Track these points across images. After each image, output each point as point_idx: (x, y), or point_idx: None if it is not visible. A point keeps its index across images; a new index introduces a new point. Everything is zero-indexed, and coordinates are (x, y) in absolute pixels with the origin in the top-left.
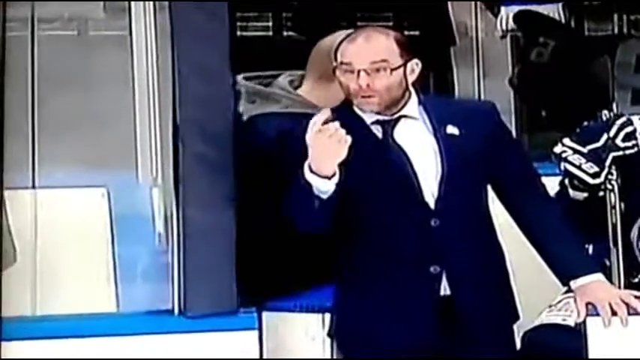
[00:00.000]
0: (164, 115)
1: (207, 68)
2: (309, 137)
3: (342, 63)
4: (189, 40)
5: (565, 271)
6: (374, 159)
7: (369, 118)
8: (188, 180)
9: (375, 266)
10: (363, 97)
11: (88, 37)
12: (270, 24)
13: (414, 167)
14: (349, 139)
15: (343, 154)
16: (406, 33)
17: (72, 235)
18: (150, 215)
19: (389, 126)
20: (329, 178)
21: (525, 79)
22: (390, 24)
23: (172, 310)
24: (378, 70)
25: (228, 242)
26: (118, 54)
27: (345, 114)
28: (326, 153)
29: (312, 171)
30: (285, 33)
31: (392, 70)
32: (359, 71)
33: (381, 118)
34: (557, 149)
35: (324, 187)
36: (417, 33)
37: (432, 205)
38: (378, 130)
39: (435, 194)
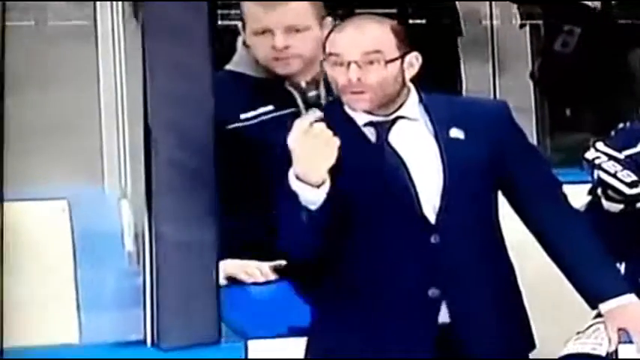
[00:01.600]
0: (134, 117)
1: (183, 63)
2: (292, 140)
3: (330, 54)
4: (162, 31)
5: (593, 293)
6: (366, 166)
7: (361, 120)
8: (162, 191)
9: (364, 288)
10: (353, 93)
11: (47, 28)
12: None
13: (412, 176)
14: (337, 140)
15: (333, 157)
16: (411, 22)
17: (28, 255)
18: (118, 232)
19: (384, 128)
20: (318, 186)
21: (548, 72)
22: (394, 11)
23: (144, 341)
24: (370, 62)
25: (209, 263)
26: (80, 47)
27: (333, 114)
28: (313, 157)
29: (298, 178)
30: None
31: (386, 62)
32: (349, 63)
33: (374, 119)
34: (590, 155)
35: (313, 197)
36: (423, 21)
37: (432, 220)
38: (371, 133)
39: (436, 207)
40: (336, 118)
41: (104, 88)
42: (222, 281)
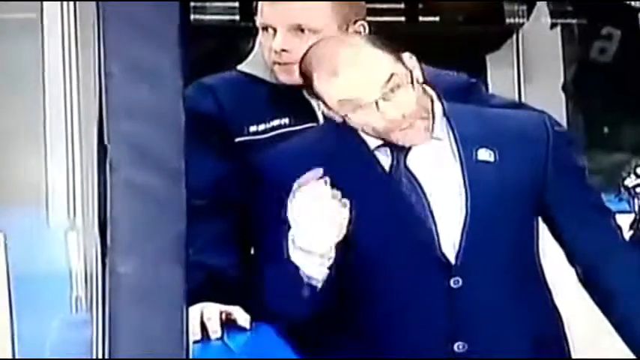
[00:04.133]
0: (86, 131)
1: (147, 67)
2: (295, 203)
3: (345, 100)
4: (123, 27)
5: None
6: (378, 199)
7: (373, 142)
8: (119, 220)
9: (378, 343)
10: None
11: None
12: (237, 4)
13: (433, 210)
14: (347, 203)
15: (344, 226)
16: (422, 19)
17: None
18: (64, 271)
19: (401, 151)
20: (323, 256)
21: (582, 83)
22: (401, 6)
23: None
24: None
25: (177, 308)
26: (24, 44)
27: (340, 135)
28: (320, 227)
29: (301, 249)
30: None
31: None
32: (377, 102)
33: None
34: (630, 182)
35: (316, 272)
36: (436, 19)
37: (451, 259)
38: (385, 158)
39: (456, 245)
40: (344, 138)
41: (51, 96)
42: (194, 332)
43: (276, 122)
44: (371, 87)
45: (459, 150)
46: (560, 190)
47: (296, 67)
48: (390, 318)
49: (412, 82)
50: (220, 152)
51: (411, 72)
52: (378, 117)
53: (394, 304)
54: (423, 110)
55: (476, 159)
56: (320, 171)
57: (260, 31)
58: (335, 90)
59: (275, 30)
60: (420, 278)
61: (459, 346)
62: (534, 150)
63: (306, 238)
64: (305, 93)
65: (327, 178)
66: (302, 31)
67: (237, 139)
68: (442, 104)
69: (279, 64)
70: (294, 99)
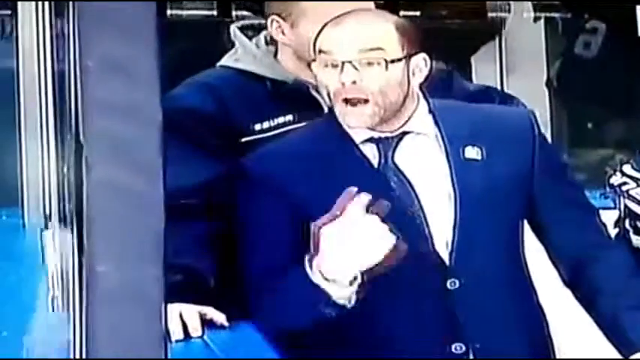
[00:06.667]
0: (61, 128)
1: (123, 62)
2: (327, 231)
3: (320, 52)
4: (97, 22)
5: (627, 341)
6: (367, 193)
7: (359, 136)
8: (97, 219)
9: (376, 346)
10: (347, 101)
11: None
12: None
13: (423, 206)
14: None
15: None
16: (402, 13)
17: None
18: (40, 272)
19: (389, 146)
20: (350, 283)
21: (566, 79)
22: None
23: None
24: (369, 62)
25: (155, 309)
26: None
27: (325, 129)
28: (349, 255)
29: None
30: (234, 13)
31: (388, 63)
32: (343, 63)
33: (376, 135)
34: (615, 180)
35: (344, 294)
36: (417, 13)
37: (445, 259)
38: (373, 154)
39: (449, 244)
40: (328, 134)
41: (25, 91)
42: (176, 331)
43: (281, 119)
44: (350, 45)
45: (446, 148)
46: (545, 187)
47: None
48: (386, 320)
49: (387, 66)
50: (224, 152)
51: (408, 68)
52: (337, 79)
53: (390, 306)
54: (385, 98)
55: (463, 157)
56: (353, 191)
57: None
58: (323, 37)
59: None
60: (415, 278)
61: (458, 347)
62: (521, 147)
63: (332, 267)
64: (311, 88)
65: (366, 197)
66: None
67: (244, 139)
68: (427, 101)
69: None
70: (298, 95)
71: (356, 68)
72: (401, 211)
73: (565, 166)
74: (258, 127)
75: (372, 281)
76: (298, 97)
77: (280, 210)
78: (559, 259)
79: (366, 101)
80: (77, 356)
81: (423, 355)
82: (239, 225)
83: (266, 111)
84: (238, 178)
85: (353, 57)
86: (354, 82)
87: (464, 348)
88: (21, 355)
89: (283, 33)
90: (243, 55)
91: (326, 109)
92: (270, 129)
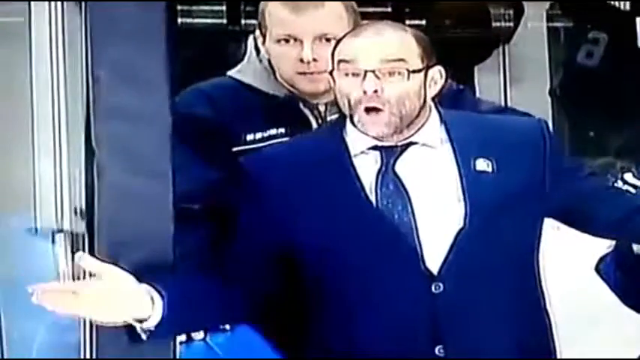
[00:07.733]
0: (74, 136)
1: (135, 70)
2: None
3: (341, 62)
4: (109, 32)
5: None
6: (357, 206)
7: (362, 145)
8: (108, 225)
9: (359, 349)
10: (367, 110)
11: None
12: (224, 8)
13: (416, 216)
14: None
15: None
16: (408, 23)
17: None
18: (52, 274)
19: (392, 155)
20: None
21: (569, 87)
22: (388, 10)
23: None
24: (391, 73)
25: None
26: (10, 49)
27: (324, 138)
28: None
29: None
30: (243, 21)
31: (409, 73)
32: (365, 72)
33: (381, 143)
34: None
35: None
36: (422, 22)
37: (433, 268)
38: (375, 160)
39: (442, 253)
40: (328, 143)
41: (38, 101)
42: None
43: (272, 131)
44: (373, 55)
45: (457, 159)
46: (561, 180)
47: (321, 77)
48: (371, 323)
49: (409, 76)
50: (216, 159)
51: (425, 80)
52: (359, 87)
53: (375, 310)
54: (402, 108)
55: (474, 169)
56: None
57: (275, 43)
58: (344, 47)
59: (301, 41)
60: (400, 284)
61: (440, 350)
62: (532, 158)
63: None
64: (301, 105)
65: None
66: (328, 40)
67: (235, 149)
68: (439, 112)
69: (305, 73)
70: (289, 109)
71: (378, 77)
72: (392, 222)
73: (581, 165)
74: (250, 137)
75: (358, 284)
76: (289, 112)
77: (265, 214)
78: (609, 226)
79: (384, 110)
80: (87, 356)
81: (406, 356)
82: (230, 226)
83: (258, 123)
84: (235, 177)
85: (376, 66)
86: (376, 91)
87: (443, 352)
88: (31, 353)
89: (263, 45)
90: (245, 66)
91: (315, 126)
92: (261, 140)
